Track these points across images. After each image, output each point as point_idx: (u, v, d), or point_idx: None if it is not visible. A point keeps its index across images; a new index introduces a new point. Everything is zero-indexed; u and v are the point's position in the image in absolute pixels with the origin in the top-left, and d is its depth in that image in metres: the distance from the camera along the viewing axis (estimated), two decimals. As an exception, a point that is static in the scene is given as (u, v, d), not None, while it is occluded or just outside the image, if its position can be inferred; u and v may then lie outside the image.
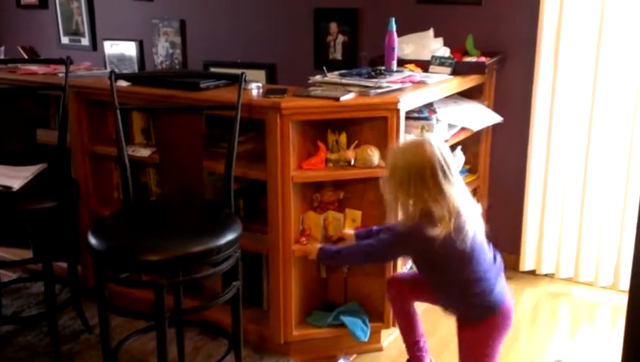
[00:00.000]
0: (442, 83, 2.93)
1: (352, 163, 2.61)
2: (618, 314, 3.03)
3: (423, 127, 2.93)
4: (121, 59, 4.52)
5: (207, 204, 2.52)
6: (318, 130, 2.64)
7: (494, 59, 3.24)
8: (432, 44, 3.23)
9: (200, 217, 2.36)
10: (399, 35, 2.96)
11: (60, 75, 3.15)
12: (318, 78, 2.76)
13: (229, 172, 2.43)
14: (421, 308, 2.52)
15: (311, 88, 2.68)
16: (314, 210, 2.71)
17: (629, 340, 1.83)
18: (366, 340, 2.69)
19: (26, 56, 4.62)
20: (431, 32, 3.29)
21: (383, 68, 2.92)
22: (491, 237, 2.29)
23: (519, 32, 3.29)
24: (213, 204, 2.57)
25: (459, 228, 2.08)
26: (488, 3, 3.34)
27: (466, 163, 3.36)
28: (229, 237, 2.17)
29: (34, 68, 3.41)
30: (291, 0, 3.91)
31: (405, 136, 2.64)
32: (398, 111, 2.55)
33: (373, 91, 2.59)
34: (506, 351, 2.78)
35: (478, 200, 3.59)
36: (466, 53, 3.27)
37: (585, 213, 3.23)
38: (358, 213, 2.70)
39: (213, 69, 4.09)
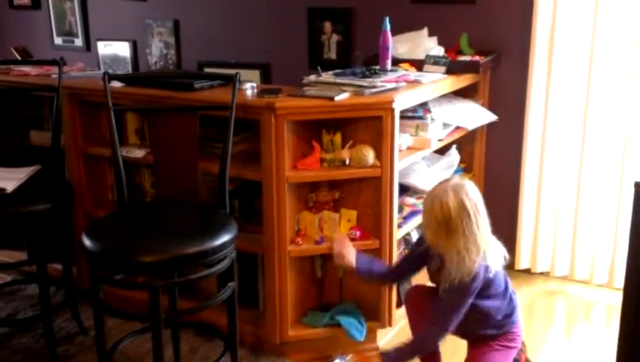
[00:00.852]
0: (437, 82, 2.93)
1: (347, 163, 2.61)
2: (613, 312, 3.04)
3: (417, 127, 2.93)
4: (115, 59, 4.50)
5: (202, 205, 2.51)
6: (313, 130, 2.63)
7: (488, 58, 3.24)
8: (426, 43, 3.23)
9: (195, 218, 2.36)
10: (393, 34, 2.96)
11: (54, 76, 3.14)
12: (312, 77, 2.76)
13: (224, 172, 2.42)
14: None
15: (305, 88, 2.67)
16: (309, 210, 2.71)
17: (624, 338, 1.84)
18: (362, 340, 2.69)
19: (19, 57, 4.59)
20: (425, 31, 3.28)
21: (378, 67, 2.92)
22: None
23: (513, 31, 3.29)
24: (208, 205, 2.56)
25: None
26: (482, 2, 3.34)
27: (460, 162, 3.36)
28: (225, 238, 2.17)
29: (27, 69, 3.40)
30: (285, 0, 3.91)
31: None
32: (392, 110, 2.55)
33: (367, 91, 2.58)
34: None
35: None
36: (461, 52, 3.27)
37: (579, 212, 3.23)
38: (353, 213, 2.70)
39: (207, 70, 4.08)
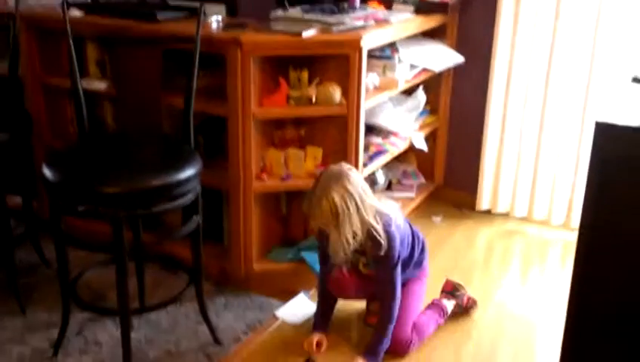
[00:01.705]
0: (405, 22, 2.91)
1: (314, 101, 2.59)
2: (569, 252, 3.14)
3: (385, 67, 2.92)
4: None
5: (166, 139, 2.48)
6: (280, 67, 2.60)
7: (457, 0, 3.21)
8: (395, -19, 3.19)
9: (159, 151, 2.33)
10: (363, -30, 2.91)
11: (10, 3, 3.01)
12: (279, 12, 2.71)
13: (188, 107, 2.38)
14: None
15: (272, 23, 2.63)
16: (275, 147, 2.70)
17: (578, 274, 1.90)
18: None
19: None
20: (395, -32, 3.23)
21: (346, 4, 2.88)
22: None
23: (483, -28, 3.27)
24: (172, 139, 2.53)
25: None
26: (454, -60, 3.29)
27: (426, 104, 3.37)
28: (189, 171, 2.15)
29: (-18, -5, 3.25)
30: None
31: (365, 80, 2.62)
32: (360, 49, 2.53)
33: (335, 28, 2.55)
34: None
35: (437, 141, 3.66)
36: (430, -8, 3.24)
37: (540, 155, 3.30)
38: (319, 151, 2.70)
39: (171, 2, 3.95)
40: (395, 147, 3.11)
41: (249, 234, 2.68)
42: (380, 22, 2.78)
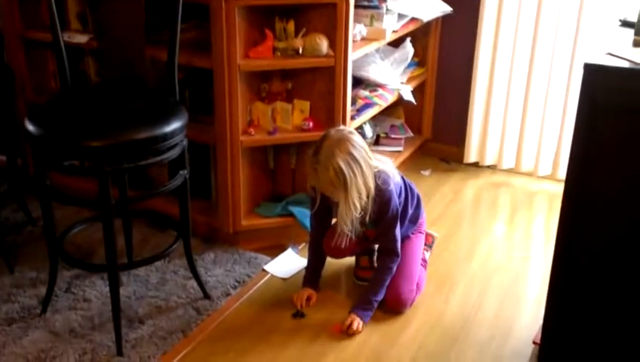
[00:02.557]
0: (393, -30, 2.84)
1: (300, 52, 2.55)
2: (555, 202, 3.16)
3: (372, 17, 2.87)
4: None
5: (151, 93, 2.43)
6: (265, 18, 2.54)
7: (446, -53, 3.15)
8: None
9: (144, 105, 2.28)
10: None
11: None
12: (264, -39, 2.63)
13: (172, 59, 2.32)
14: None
15: (257, -29, 2.55)
16: (262, 100, 2.67)
17: (564, 224, 1.91)
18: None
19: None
20: None
21: (333, -48, 2.80)
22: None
23: None
24: (156, 93, 2.48)
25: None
26: None
27: (414, 56, 3.33)
28: (175, 124, 2.11)
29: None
30: None
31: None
32: (347, -2, 2.47)
33: (322, -24, 2.49)
34: (449, 236, 2.91)
35: (425, 94, 3.63)
36: (418, -60, 3.17)
37: (528, 107, 3.28)
38: (306, 104, 2.67)
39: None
40: (383, 100, 3.08)
41: (237, 190, 2.67)
42: (367, -29, 2.72)
